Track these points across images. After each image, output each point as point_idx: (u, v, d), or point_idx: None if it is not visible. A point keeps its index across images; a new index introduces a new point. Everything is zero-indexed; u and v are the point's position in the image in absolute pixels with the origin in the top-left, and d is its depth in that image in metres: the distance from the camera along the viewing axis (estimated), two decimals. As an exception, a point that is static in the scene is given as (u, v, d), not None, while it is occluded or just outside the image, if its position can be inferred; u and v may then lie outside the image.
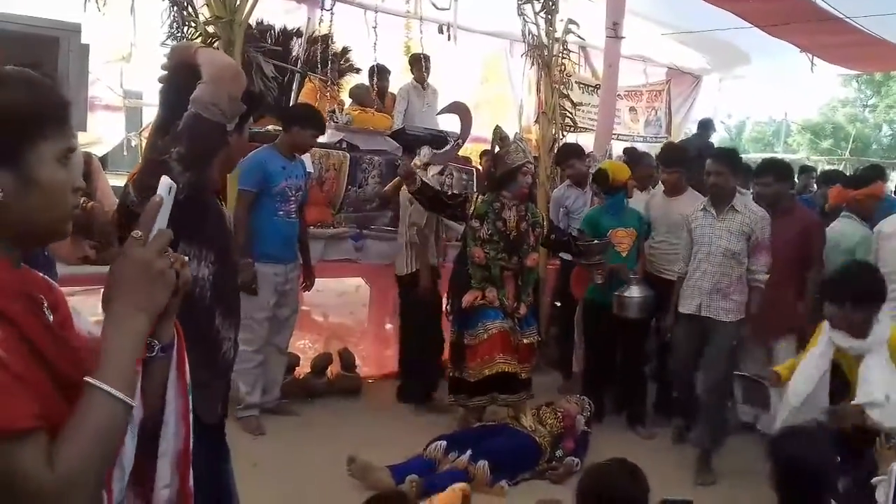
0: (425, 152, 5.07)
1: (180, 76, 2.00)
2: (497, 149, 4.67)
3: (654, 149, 10.85)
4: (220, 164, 2.10)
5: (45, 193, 1.08)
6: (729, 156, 4.55)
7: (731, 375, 4.10)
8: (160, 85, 2.11)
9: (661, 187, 5.48)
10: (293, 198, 4.58)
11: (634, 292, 4.86)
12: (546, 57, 5.93)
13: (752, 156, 22.85)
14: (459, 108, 5.47)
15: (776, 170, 4.80)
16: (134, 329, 1.08)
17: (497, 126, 5.01)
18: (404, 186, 4.85)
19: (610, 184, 5.00)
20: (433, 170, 5.20)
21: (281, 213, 4.53)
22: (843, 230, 4.89)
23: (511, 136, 4.71)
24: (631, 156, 8.52)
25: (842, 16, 6.97)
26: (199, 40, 4.56)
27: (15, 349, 0.98)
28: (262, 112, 5.68)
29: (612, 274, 4.91)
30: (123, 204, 2.04)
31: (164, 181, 1.18)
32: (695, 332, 4.38)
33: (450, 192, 4.63)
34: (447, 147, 5.67)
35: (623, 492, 2.14)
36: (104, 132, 6.64)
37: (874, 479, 2.67)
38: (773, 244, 4.54)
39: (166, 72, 2.08)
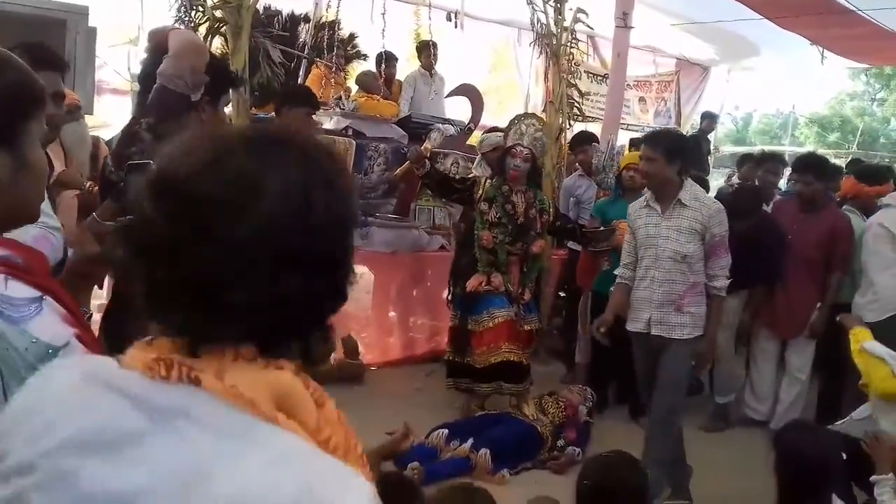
0: (435, 135, 5.05)
1: (154, 56, 2.13)
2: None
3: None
4: None
5: (33, 174, 1.09)
6: (660, 138, 3.90)
7: (681, 403, 3.74)
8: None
9: None
10: None
11: None
12: (554, 46, 5.90)
13: (755, 147, 22.81)
14: (469, 91, 5.45)
15: (817, 168, 4.79)
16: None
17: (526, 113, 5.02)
18: None
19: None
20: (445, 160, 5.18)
21: None
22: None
23: (521, 117, 4.70)
24: (634, 144, 8.55)
25: (853, 8, 6.92)
26: (206, 25, 4.55)
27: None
28: (267, 97, 5.70)
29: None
30: (104, 174, 2.11)
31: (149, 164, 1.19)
32: (650, 351, 3.71)
33: (458, 177, 4.61)
34: (457, 129, 5.69)
35: (623, 483, 2.15)
36: (111, 116, 6.62)
37: (873, 478, 2.67)
38: (798, 242, 4.53)
39: (146, 53, 2.19)
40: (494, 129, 5.56)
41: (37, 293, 1.02)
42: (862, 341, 3.30)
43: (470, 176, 4.62)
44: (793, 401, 4.83)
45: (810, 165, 4.83)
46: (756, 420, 5.02)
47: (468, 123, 5.26)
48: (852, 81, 30.52)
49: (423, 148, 4.82)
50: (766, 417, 4.97)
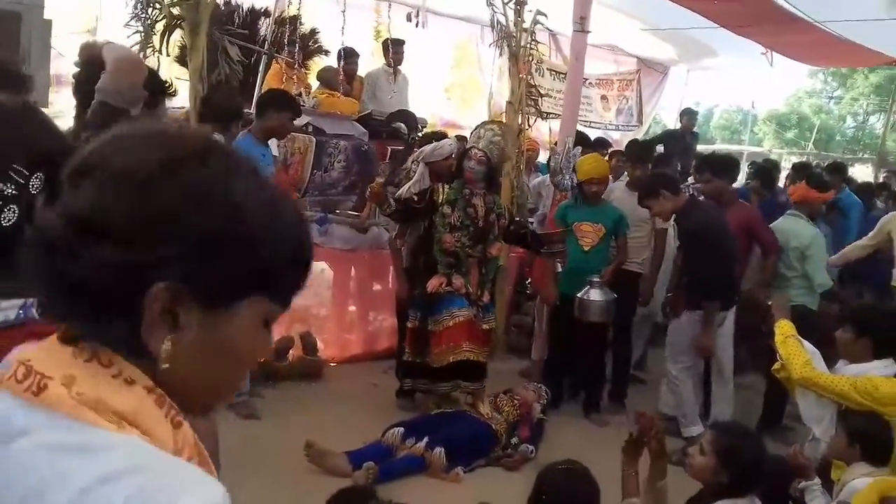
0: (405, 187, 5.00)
1: (89, 70, 2.15)
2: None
3: (626, 137, 11.06)
4: None
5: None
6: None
7: None
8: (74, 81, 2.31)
9: (619, 183, 5.63)
10: None
11: (595, 296, 4.82)
12: (514, 47, 5.96)
13: (719, 146, 23.21)
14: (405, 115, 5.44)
15: (714, 165, 4.99)
16: None
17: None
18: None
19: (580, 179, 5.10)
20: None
21: None
22: (793, 228, 5.02)
23: (483, 124, 4.78)
24: (600, 144, 8.68)
25: (805, 17, 7.10)
26: (163, 22, 4.52)
27: None
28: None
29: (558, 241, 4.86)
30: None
31: None
32: None
33: (415, 193, 4.61)
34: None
35: (575, 494, 2.24)
36: (68, 107, 6.52)
37: (802, 484, 2.79)
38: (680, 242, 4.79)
39: (78, 68, 2.19)
40: (438, 134, 5.62)
41: None
42: (787, 333, 3.45)
43: (424, 188, 4.63)
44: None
45: (708, 163, 5.11)
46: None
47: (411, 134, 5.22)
48: (810, 79, 31.20)
49: (376, 184, 4.82)
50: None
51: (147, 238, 0.73)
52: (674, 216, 4.65)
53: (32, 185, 1.00)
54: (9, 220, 0.98)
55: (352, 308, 6.15)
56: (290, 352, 5.34)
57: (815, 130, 28.44)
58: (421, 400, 4.83)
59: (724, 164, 5.17)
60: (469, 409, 4.51)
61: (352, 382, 5.33)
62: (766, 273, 5.02)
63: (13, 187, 0.99)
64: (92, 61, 2.10)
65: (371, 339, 6.01)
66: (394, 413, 4.74)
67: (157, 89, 2.22)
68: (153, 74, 2.16)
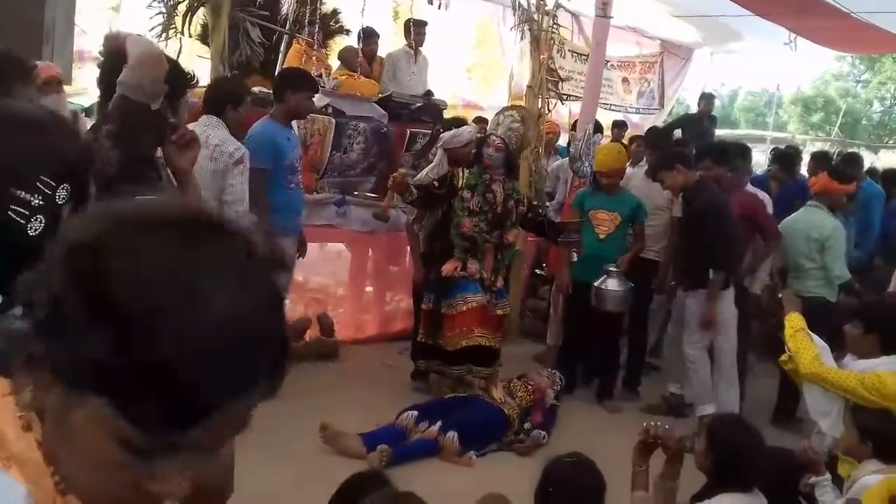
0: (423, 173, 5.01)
1: (112, 62, 2.16)
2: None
3: (647, 121, 10.96)
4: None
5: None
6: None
7: None
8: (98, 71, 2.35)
9: (638, 170, 5.60)
10: (299, 168, 4.55)
11: (612, 285, 4.82)
12: (535, 31, 5.92)
13: (742, 131, 22.90)
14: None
15: (714, 153, 5.06)
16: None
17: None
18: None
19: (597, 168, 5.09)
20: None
21: (293, 185, 4.48)
22: (813, 220, 4.97)
23: (503, 110, 4.78)
24: (617, 126, 8.63)
25: (832, 2, 6.99)
26: (185, 4, 4.53)
27: None
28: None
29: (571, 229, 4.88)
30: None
31: None
32: None
33: (435, 179, 4.63)
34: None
35: (581, 488, 2.27)
36: (90, 84, 6.59)
37: (812, 480, 2.80)
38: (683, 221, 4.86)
39: (103, 58, 2.22)
40: (457, 120, 5.59)
41: None
42: (797, 326, 3.45)
43: (444, 173, 4.65)
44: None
45: (707, 151, 5.16)
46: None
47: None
48: (837, 62, 30.64)
49: (398, 174, 4.84)
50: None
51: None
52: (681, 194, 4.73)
53: (59, 196, 1.02)
54: (35, 231, 1.01)
55: (368, 289, 6.21)
56: (307, 332, 5.40)
57: (841, 114, 28.01)
58: (435, 381, 4.87)
59: (724, 152, 5.19)
60: (482, 394, 4.55)
61: (367, 363, 5.39)
62: (755, 261, 5.12)
63: (40, 198, 1.01)
64: (115, 53, 2.12)
65: (387, 321, 6.06)
66: (408, 394, 4.80)
67: (179, 82, 2.24)
68: (175, 67, 2.18)
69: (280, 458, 3.90)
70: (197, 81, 2.68)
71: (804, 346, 3.31)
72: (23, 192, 1.01)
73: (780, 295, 4.00)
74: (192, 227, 0.66)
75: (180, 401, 0.61)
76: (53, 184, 1.02)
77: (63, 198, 1.03)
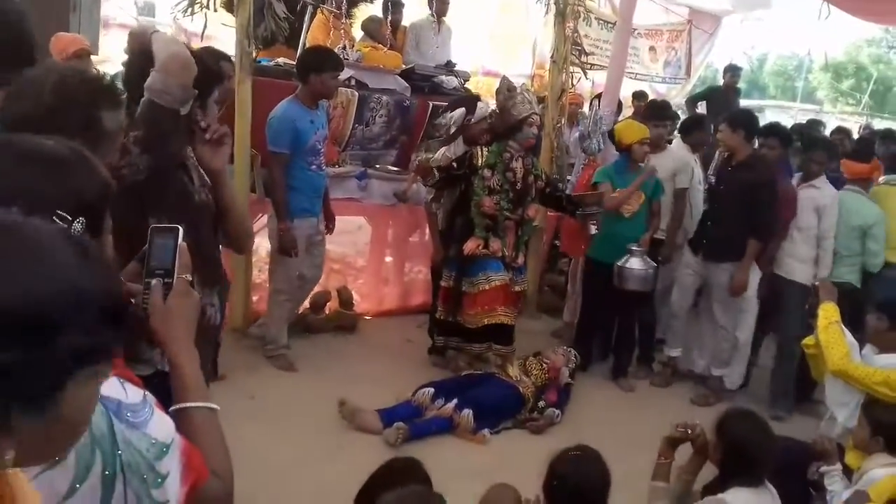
0: (440, 153, 4.99)
1: (139, 61, 2.13)
2: (503, 99, 4.69)
3: (672, 90, 10.80)
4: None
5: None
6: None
7: None
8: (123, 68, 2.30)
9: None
10: (322, 149, 4.58)
11: (635, 264, 4.82)
12: (561, 4, 5.85)
13: (766, 102, 22.37)
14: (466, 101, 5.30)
15: (733, 121, 4.92)
16: (196, 355, 1.29)
17: (504, 77, 5.04)
18: None
19: (617, 144, 5.05)
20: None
21: (314, 166, 4.52)
22: (854, 206, 4.85)
23: (518, 88, 4.73)
24: (637, 97, 8.49)
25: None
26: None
27: None
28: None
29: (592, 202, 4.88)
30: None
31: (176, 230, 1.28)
32: None
33: (453, 160, 4.64)
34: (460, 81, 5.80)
35: (586, 481, 2.33)
36: (117, 52, 6.61)
37: (822, 468, 2.85)
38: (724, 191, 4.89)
39: (128, 56, 2.23)
40: (468, 99, 5.50)
41: (140, 391, 1.09)
42: (831, 318, 3.46)
43: (461, 153, 4.65)
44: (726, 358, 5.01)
45: (777, 132, 5.15)
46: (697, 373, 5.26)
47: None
48: (871, 27, 29.87)
49: (423, 159, 4.84)
50: (704, 371, 5.18)
51: None
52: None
53: (74, 230, 1.06)
54: None
55: (388, 260, 6.25)
56: (327, 305, 5.48)
57: (872, 81, 27.40)
58: (452, 357, 4.94)
59: (787, 137, 5.20)
60: (498, 371, 4.60)
61: (386, 336, 5.47)
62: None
63: None
64: (141, 52, 2.11)
65: (406, 294, 6.12)
66: (425, 369, 4.89)
67: (208, 80, 2.24)
68: (204, 65, 2.16)
69: (300, 427, 4.01)
70: (223, 75, 2.68)
71: (836, 341, 3.33)
72: None
73: (815, 283, 4.02)
74: None
75: None
76: (70, 218, 1.06)
77: (78, 231, 1.06)
